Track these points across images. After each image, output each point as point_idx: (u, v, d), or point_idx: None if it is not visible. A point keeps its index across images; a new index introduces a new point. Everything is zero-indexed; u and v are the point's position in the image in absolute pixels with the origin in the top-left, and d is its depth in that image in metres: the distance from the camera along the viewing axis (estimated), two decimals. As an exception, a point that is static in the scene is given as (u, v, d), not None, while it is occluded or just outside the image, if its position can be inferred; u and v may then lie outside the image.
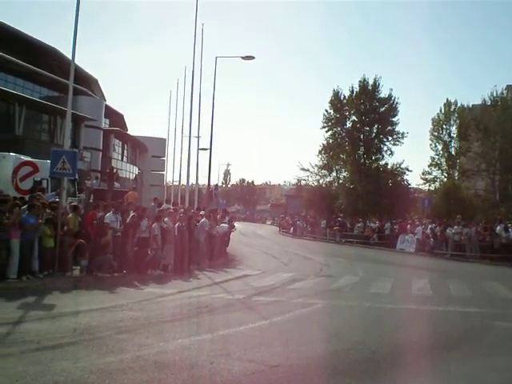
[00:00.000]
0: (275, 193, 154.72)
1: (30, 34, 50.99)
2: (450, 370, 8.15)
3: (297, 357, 8.42)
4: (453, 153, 59.31)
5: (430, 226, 37.26)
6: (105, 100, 67.79)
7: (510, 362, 8.83)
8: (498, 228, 31.92)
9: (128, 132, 74.27)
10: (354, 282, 19.00)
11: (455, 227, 34.22)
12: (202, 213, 25.42)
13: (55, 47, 54.53)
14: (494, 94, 55.58)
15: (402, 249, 38.04)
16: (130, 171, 72.74)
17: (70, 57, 20.95)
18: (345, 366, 7.98)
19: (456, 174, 59.49)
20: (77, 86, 44.45)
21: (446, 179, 58.67)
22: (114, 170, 30.78)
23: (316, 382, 7.18)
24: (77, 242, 16.54)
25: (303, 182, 68.81)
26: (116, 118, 71.67)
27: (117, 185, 31.14)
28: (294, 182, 79.94)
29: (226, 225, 26.93)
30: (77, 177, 22.74)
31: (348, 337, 10.05)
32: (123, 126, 73.81)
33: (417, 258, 33.37)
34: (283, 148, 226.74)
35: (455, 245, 33.41)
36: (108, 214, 17.81)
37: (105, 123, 66.23)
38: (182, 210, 24.37)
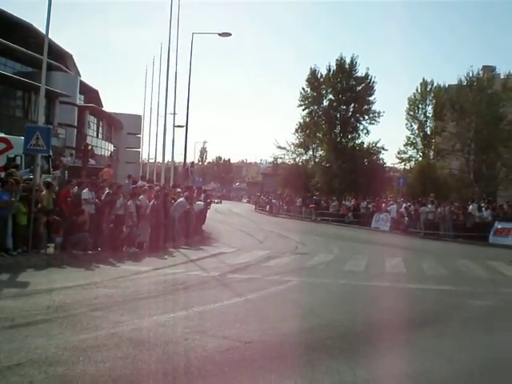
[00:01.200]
0: (252, 171, 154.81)
1: (3, 9, 49.96)
2: (423, 347, 8.25)
3: (271, 333, 8.48)
4: (428, 132, 59.70)
5: (404, 205, 37.58)
6: (80, 76, 66.85)
7: (483, 339, 8.96)
8: (471, 207, 32.29)
9: (103, 109, 73.45)
10: (328, 259, 19.12)
11: (429, 206, 34.54)
12: (178, 190, 25.33)
13: (30, 22, 53.59)
14: (470, 75, 56.02)
15: (377, 227, 38.35)
16: (105, 148, 72.06)
17: (44, 31, 20.59)
18: (319, 342, 8.05)
19: (431, 154, 59.99)
20: (51, 61, 43.75)
21: (421, 158, 59.16)
22: (89, 147, 30.54)
23: (290, 358, 7.24)
24: (50, 219, 16.38)
25: (280, 161, 68.98)
26: (91, 94, 70.77)
27: (92, 162, 30.83)
28: (270, 160, 79.96)
29: (201, 202, 26.85)
30: (51, 153, 22.42)
31: (323, 314, 10.13)
32: (98, 102, 72.94)
33: (391, 236, 33.67)
34: (260, 126, 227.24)
35: (429, 223, 33.75)
36: (85, 191, 17.67)
37: (80, 99, 65.37)
38: (158, 187, 24.24)
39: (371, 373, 6.81)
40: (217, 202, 73.86)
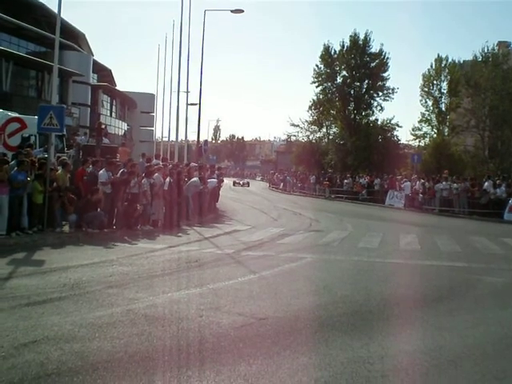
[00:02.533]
0: (265, 149, 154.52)
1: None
2: (436, 323, 8.26)
3: (285, 310, 8.52)
4: (443, 109, 59.18)
5: (418, 182, 37.40)
6: (92, 55, 66.83)
7: (497, 315, 8.95)
8: (486, 184, 32.07)
9: (116, 87, 73.46)
10: (342, 236, 19.12)
11: (443, 183, 34.34)
12: (193, 164, 25.35)
13: (42, 2, 53.48)
14: (486, 50, 55.36)
15: (391, 204, 38.26)
16: (118, 127, 72.20)
17: (56, 11, 20.55)
18: (332, 318, 8.08)
19: (446, 130, 59.51)
20: (64, 40, 43.76)
21: (435, 135, 58.72)
22: (102, 126, 30.55)
23: (304, 335, 7.27)
24: (65, 198, 16.46)
25: (293, 138, 68.92)
26: (104, 73, 70.79)
27: (106, 141, 30.88)
28: (284, 137, 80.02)
29: (214, 180, 26.85)
30: (65, 132, 22.51)
31: (336, 290, 10.15)
32: (111, 81, 72.95)
33: (405, 213, 33.58)
34: (274, 104, 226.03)
35: (443, 200, 33.59)
36: (101, 172, 17.75)
37: (93, 78, 65.40)
38: (171, 165, 24.27)
39: (385, 349, 6.83)
40: (243, 185, 74.40)
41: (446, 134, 58.86)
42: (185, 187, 22.09)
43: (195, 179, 23.23)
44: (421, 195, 35.83)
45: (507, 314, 9.10)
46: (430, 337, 7.48)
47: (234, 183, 74.62)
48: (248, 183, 76.67)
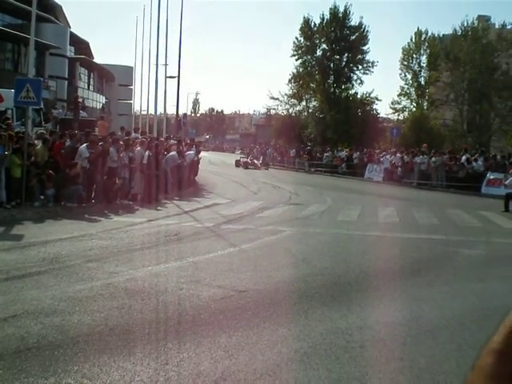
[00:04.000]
0: (245, 122, 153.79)
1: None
2: (415, 294, 8.38)
3: (265, 282, 8.58)
4: (422, 82, 59.19)
5: (397, 155, 37.56)
6: (70, 27, 65.73)
7: (474, 287, 9.10)
8: (464, 158, 32.31)
9: (94, 60, 72.49)
10: (322, 210, 19.21)
11: (422, 156, 34.54)
12: (171, 142, 25.22)
13: (18, -27, 52.39)
14: (465, 25, 55.44)
15: (370, 178, 38.42)
16: (96, 100, 71.37)
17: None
18: (312, 290, 8.16)
19: (425, 104, 59.64)
20: (40, 12, 42.93)
21: (414, 109, 58.86)
22: (80, 99, 30.24)
23: (283, 306, 7.34)
24: (44, 174, 16.31)
25: (273, 112, 68.63)
26: (81, 45, 69.68)
27: (83, 114, 30.57)
28: (263, 111, 79.54)
29: (192, 152, 26.64)
30: (42, 106, 22.24)
31: (315, 262, 10.24)
32: (89, 54, 71.87)
33: (384, 186, 33.77)
34: (253, 77, 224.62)
35: (422, 174, 33.81)
36: (83, 148, 17.58)
37: (70, 51, 64.39)
38: (149, 139, 24.12)
39: (364, 320, 6.92)
40: (258, 166, 49.32)
41: (425, 107, 59.01)
42: (163, 161, 21.97)
43: (173, 153, 23.12)
44: (399, 169, 36.03)
45: (484, 285, 9.24)
46: (408, 308, 7.58)
47: (243, 164, 49.88)
48: (267, 164, 51.01)
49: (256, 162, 50.79)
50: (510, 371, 0.95)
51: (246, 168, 47.67)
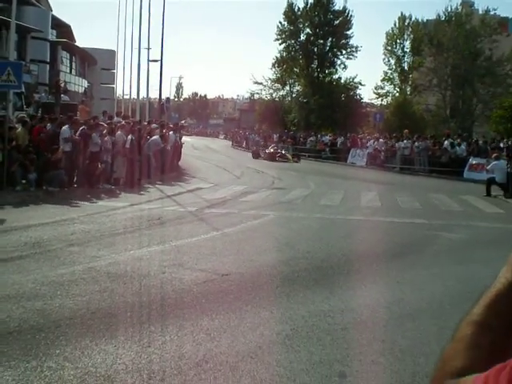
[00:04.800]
0: (228, 107, 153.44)
1: None
2: (396, 277, 8.44)
3: (248, 266, 8.60)
4: (405, 68, 59.36)
5: (380, 140, 37.68)
6: (51, 10, 64.98)
7: (455, 270, 9.18)
8: (446, 143, 32.47)
9: (76, 44, 71.77)
10: (305, 194, 19.25)
11: (405, 141, 34.68)
12: (154, 126, 25.06)
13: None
14: (449, 10, 55.63)
15: (353, 162, 38.51)
16: (79, 84, 70.72)
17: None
18: (294, 273, 8.19)
19: (408, 89, 59.81)
20: (21, -6, 42.41)
21: (398, 94, 59.02)
22: (61, 83, 29.97)
23: (266, 290, 7.36)
24: (25, 157, 16.18)
25: (256, 96, 68.49)
26: (63, 29, 68.90)
27: (65, 98, 30.31)
28: (247, 95, 79.36)
29: (173, 135, 26.40)
30: (23, 90, 22.02)
31: (298, 246, 10.28)
32: (71, 37, 71.08)
33: (367, 171, 33.86)
34: (237, 61, 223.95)
35: (405, 158, 33.96)
36: (65, 128, 17.43)
37: (52, 35, 63.67)
38: (132, 123, 23.97)
39: (345, 302, 6.97)
40: (289, 159, 40.09)
41: (409, 92, 59.18)
42: (145, 145, 21.85)
43: (156, 137, 22.97)
44: (382, 154, 36.16)
45: (464, 269, 9.32)
46: (390, 291, 7.64)
47: (268, 155, 39.80)
48: (298, 157, 40.86)
49: (285, 152, 40.66)
50: (489, 341, 0.96)
51: (273, 160, 37.65)
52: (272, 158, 38.65)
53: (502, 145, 29.14)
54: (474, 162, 29.27)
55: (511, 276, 0.98)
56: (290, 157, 39.28)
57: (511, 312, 0.96)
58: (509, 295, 0.97)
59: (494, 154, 23.43)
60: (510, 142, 26.39)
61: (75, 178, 17.75)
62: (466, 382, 0.92)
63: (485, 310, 0.98)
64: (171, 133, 25.35)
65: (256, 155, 41.43)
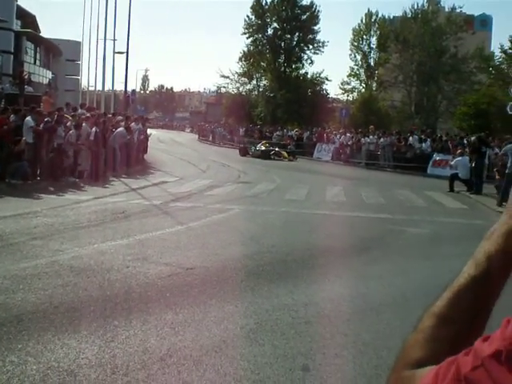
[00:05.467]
0: (195, 100, 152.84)
1: None
2: (360, 272, 8.53)
3: (212, 260, 8.60)
4: (371, 64, 59.88)
5: (347, 135, 37.91)
6: (16, 0, 63.90)
7: (418, 265, 9.31)
8: (411, 139, 32.83)
9: (41, 34, 70.71)
10: (270, 188, 19.29)
11: (370, 137, 34.97)
12: (119, 118, 24.83)
13: None
14: (415, 7, 56.24)
15: (319, 157, 38.69)
16: (43, 75, 69.70)
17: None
18: (258, 268, 8.22)
19: (374, 85, 60.35)
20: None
21: (363, 90, 59.48)
22: (25, 74, 29.50)
23: (230, 284, 7.37)
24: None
25: (223, 90, 68.45)
26: (28, 19, 67.80)
27: (29, 89, 29.83)
28: (214, 89, 79.22)
29: (137, 126, 26.20)
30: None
31: (263, 240, 10.30)
32: (36, 27, 70.04)
33: (333, 166, 34.07)
34: (204, 54, 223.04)
35: (370, 154, 34.24)
36: (28, 118, 17.16)
37: (16, 25, 62.64)
38: (97, 115, 23.69)
39: (309, 296, 7.02)
40: (284, 157, 36.67)
41: (374, 88, 59.73)
42: (111, 137, 21.63)
43: (121, 129, 22.74)
44: (348, 149, 36.40)
45: (427, 263, 9.46)
46: (354, 285, 7.72)
47: (262, 153, 36.56)
48: (294, 155, 37.35)
49: (280, 150, 37.38)
50: (449, 334, 0.97)
51: (266, 158, 34.87)
52: (265, 155, 35.72)
53: (465, 141, 29.55)
54: (437, 158, 29.63)
55: (474, 271, 1.00)
56: (285, 155, 36.40)
57: (472, 306, 0.98)
58: (471, 290, 0.99)
59: (459, 151, 23.80)
60: (471, 139, 26.73)
61: (39, 171, 17.49)
62: (421, 373, 0.94)
63: (447, 303, 1.00)
64: (133, 124, 25.07)
65: (243, 152, 38.50)
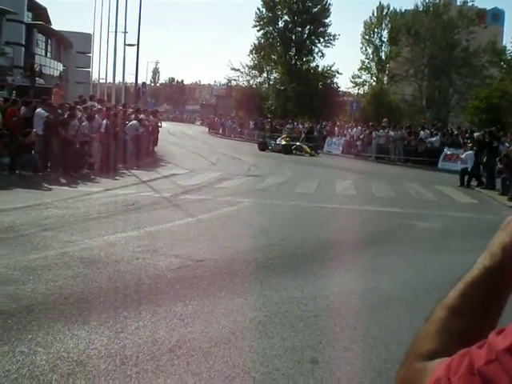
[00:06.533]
0: (205, 93, 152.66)
1: None
2: (370, 265, 8.51)
3: (222, 252, 8.61)
4: (383, 57, 59.59)
5: (358, 128, 37.80)
6: (27, -8, 64.02)
7: (428, 259, 9.29)
8: (422, 133, 32.70)
9: (52, 27, 70.83)
10: (280, 181, 19.28)
11: (381, 131, 34.84)
12: (130, 110, 24.89)
13: None
14: (427, 0, 55.81)
15: (329, 151, 38.63)
16: (54, 68, 69.87)
17: None
18: (268, 260, 8.21)
19: (385, 79, 60.09)
20: (-4, -24, 41.73)
21: (374, 83, 59.25)
22: (35, 66, 29.57)
23: (240, 276, 7.38)
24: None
25: (233, 83, 68.32)
26: (39, 11, 67.89)
27: (40, 81, 29.93)
28: (224, 82, 79.14)
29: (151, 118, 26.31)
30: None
31: (273, 234, 10.30)
32: (47, 20, 70.09)
33: (343, 159, 34.01)
34: (214, 47, 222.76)
35: (380, 148, 34.12)
36: (39, 110, 17.20)
37: (27, 17, 62.76)
38: (106, 108, 23.74)
39: (319, 290, 7.01)
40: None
41: (385, 82, 59.47)
42: (124, 130, 21.67)
43: (134, 122, 22.79)
44: (358, 142, 36.30)
45: (437, 257, 9.43)
46: (363, 278, 7.70)
47: (282, 148, 35.40)
48: (316, 150, 36.42)
49: (302, 144, 35.78)
50: (461, 326, 0.97)
51: (288, 153, 33.64)
52: (287, 150, 34.37)
53: (475, 135, 29.40)
54: (448, 153, 29.49)
55: (489, 262, 0.99)
56: (308, 149, 34.94)
57: (485, 298, 0.97)
58: (484, 282, 0.98)
59: (470, 144, 23.71)
60: (475, 135, 26.45)
61: (49, 163, 17.55)
62: (433, 365, 0.93)
63: (459, 294, 0.99)
64: (143, 115, 25.11)
65: (262, 147, 37.01)
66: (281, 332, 5.52)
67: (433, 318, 1.01)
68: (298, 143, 35.90)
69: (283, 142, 35.91)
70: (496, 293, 0.98)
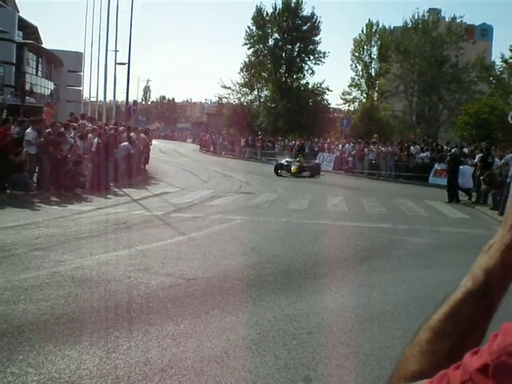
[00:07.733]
0: (196, 111, 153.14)
1: None
2: (361, 281, 8.50)
3: (214, 270, 8.59)
4: (372, 74, 60.04)
5: (347, 145, 37.96)
6: (18, 11, 64.13)
7: (420, 274, 9.28)
8: (412, 148, 32.85)
9: (43, 45, 70.95)
10: (272, 198, 19.28)
11: (372, 147, 34.99)
12: (121, 129, 24.89)
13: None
14: (416, 17, 56.44)
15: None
16: (45, 86, 69.90)
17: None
18: (260, 278, 8.20)
19: (375, 95, 60.48)
20: (-14, -6, 41.81)
21: (364, 100, 59.60)
22: (26, 85, 29.56)
23: (232, 294, 7.36)
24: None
25: (224, 100, 68.61)
26: (30, 30, 68.02)
27: (31, 100, 29.87)
28: (215, 99, 79.46)
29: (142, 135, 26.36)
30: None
31: (264, 251, 10.28)
32: (38, 38, 70.21)
33: (334, 176, 34.04)
34: (205, 65, 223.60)
35: (371, 164, 34.23)
36: (28, 131, 17.18)
37: (18, 36, 62.86)
38: (98, 126, 23.73)
39: (311, 306, 7.00)
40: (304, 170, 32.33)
41: (375, 98, 59.85)
42: (115, 150, 21.65)
43: (126, 143, 22.74)
44: (350, 158, 36.43)
45: (429, 273, 9.43)
46: (355, 295, 7.69)
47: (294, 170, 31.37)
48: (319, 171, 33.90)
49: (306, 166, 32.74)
50: (444, 348, 0.97)
51: (298, 176, 30.68)
52: (296, 173, 30.87)
53: (465, 150, 29.58)
54: (438, 168, 29.62)
55: (471, 285, 1.00)
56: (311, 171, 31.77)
57: (468, 321, 0.98)
58: (467, 304, 0.99)
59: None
60: (452, 150, 26.39)
61: (40, 182, 17.49)
62: None
63: (443, 317, 1.00)
64: (133, 134, 25.06)
65: (278, 172, 31.86)
66: (274, 350, 5.50)
67: (417, 340, 1.02)
68: (304, 165, 32.49)
69: (296, 166, 31.41)
70: (479, 315, 0.99)
